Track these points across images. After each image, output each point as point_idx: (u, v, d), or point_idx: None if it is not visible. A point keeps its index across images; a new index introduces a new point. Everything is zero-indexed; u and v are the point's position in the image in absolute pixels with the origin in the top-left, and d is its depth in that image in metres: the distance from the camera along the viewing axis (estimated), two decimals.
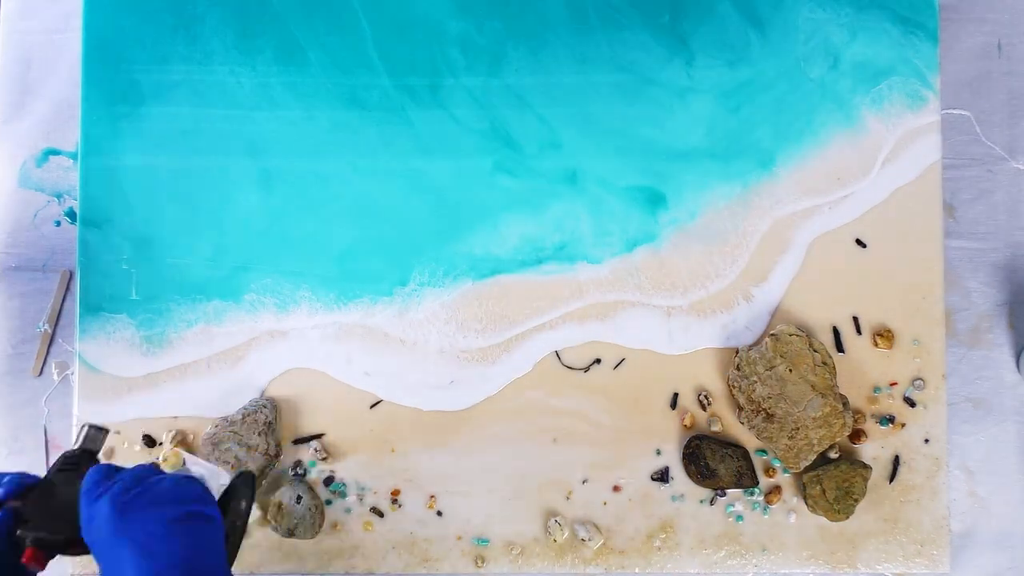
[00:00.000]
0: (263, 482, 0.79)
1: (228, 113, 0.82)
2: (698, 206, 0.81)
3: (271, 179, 0.82)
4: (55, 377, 0.83)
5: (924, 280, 0.81)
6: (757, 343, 0.80)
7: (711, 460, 0.79)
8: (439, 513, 0.80)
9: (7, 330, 0.83)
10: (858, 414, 0.80)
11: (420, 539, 0.80)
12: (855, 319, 0.81)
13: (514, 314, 0.81)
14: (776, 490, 0.80)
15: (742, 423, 0.78)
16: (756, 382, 0.77)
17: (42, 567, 0.57)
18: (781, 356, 0.77)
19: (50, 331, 0.83)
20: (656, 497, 0.80)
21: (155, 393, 0.81)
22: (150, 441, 0.80)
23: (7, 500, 0.58)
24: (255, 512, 0.79)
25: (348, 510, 0.80)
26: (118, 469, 0.59)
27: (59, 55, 0.85)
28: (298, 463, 0.80)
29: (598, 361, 0.81)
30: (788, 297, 0.81)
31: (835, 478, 0.77)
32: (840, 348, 0.80)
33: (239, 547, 0.61)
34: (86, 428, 0.64)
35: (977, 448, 0.82)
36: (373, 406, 0.81)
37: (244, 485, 0.63)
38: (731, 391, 0.79)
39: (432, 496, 0.80)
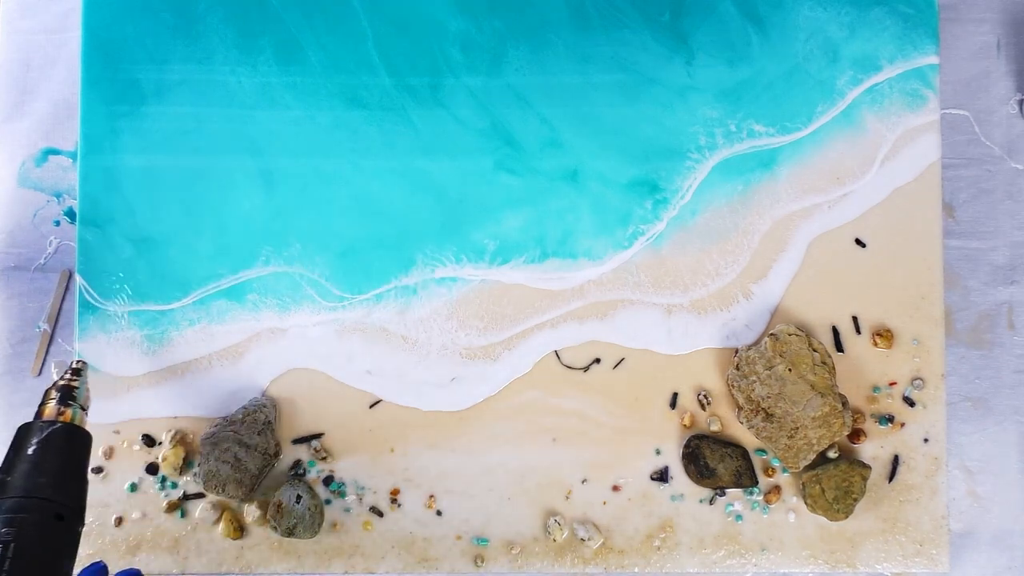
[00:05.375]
0: (262, 482, 0.79)
1: (229, 113, 0.82)
2: (699, 205, 0.81)
3: (272, 178, 0.82)
4: (54, 376, 0.83)
5: (923, 280, 0.81)
6: (756, 343, 0.80)
7: (711, 460, 0.79)
8: (439, 513, 0.80)
9: (6, 330, 0.83)
10: (857, 414, 0.80)
11: (419, 539, 0.80)
12: (854, 318, 0.81)
13: (515, 312, 0.81)
14: (775, 490, 0.80)
15: (741, 423, 0.78)
16: (755, 382, 0.77)
17: None
18: (780, 355, 0.77)
19: (49, 331, 0.83)
20: (656, 497, 0.80)
21: (155, 392, 0.81)
22: (150, 441, 0.80)
23: None
24: (255, 511, 0.79)
25: (347, 510, 0.80)
26: None
27: (58, 55, 0.85)
28: (298, 463, 0.80)
29: (598, 361, 0.81)
30: (788, 296, 0.81)
31: (834, 478, 0.77)
32: (839, 348, 0.81)
33: None
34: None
35: (976, 448, 0.82)
36: (373, 406, 0.81)
37: None
38: (730, 391, 0.79)
39: (431, 496, 0.80)
